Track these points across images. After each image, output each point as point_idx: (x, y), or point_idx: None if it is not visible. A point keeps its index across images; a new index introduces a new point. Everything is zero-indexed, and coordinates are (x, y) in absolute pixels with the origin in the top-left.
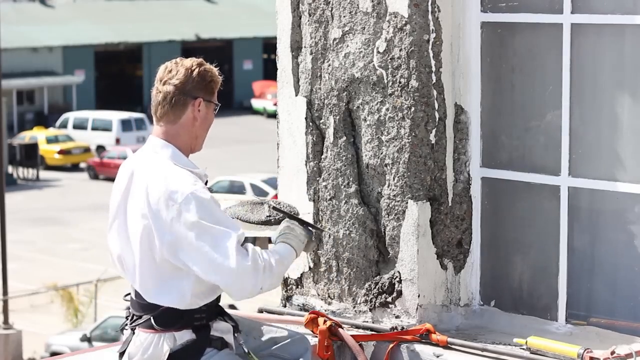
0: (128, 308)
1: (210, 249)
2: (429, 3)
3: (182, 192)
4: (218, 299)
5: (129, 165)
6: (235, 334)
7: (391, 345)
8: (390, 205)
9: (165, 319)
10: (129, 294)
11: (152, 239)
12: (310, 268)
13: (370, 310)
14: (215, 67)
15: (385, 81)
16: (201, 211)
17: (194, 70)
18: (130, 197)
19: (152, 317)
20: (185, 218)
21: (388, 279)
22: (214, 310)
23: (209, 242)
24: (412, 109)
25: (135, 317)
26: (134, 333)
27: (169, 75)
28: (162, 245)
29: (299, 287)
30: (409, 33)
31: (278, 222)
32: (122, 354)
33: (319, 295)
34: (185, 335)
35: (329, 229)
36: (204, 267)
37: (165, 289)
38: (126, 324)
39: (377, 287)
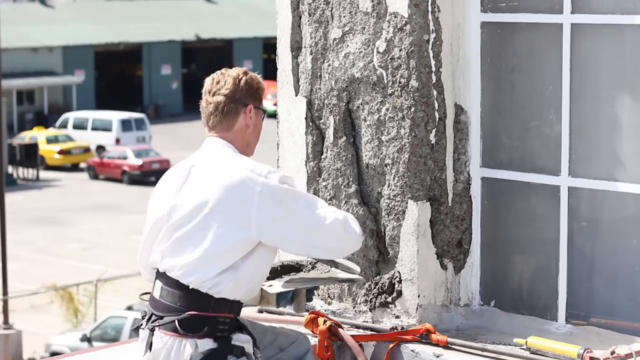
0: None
1: (307, 211)
2: (429, 3)
3: (263, 168)
4: (238, 312)
5: (186, 163)
6: (254, 348)
7: (391, 346)
8: (390, 205)
9: (190, 324)
10: (147, 292)
11: (227, 222)
12: None
13: (370, 310)
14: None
15: (385, 81)
16: (287, 181)
17: (241, 78)
18: (194, 186)
19: (177, 320)
20: (273, 188)
21: (388, 279)
22: (235, 324)
23: (303, 205)
24: (412, 109)
25: (155, 318)
26: (152, 334)
27: (217, 86)
28: (250, 222)
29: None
30: (409, 33)
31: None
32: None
33: (319, 295)
34: (207, 344)
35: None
36: (306, 228)
37: (222, 277)
38: (141, 324)
39: (377, 287)
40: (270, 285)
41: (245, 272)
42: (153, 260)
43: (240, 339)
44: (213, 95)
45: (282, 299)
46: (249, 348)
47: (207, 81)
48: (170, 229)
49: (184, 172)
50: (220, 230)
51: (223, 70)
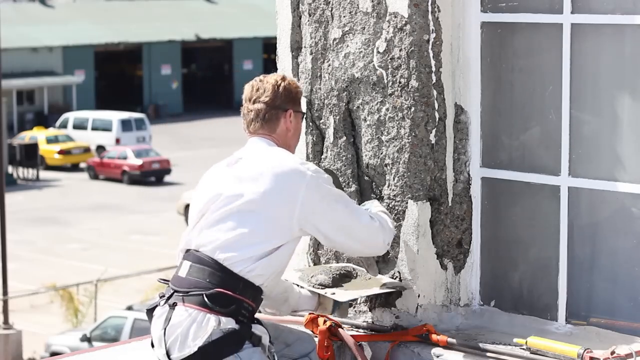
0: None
1: (344, 211)
2: (429, 3)
3: (310, 165)
4: (258, 305)
5: (232, 157)
6: (269, 343)
7: (391, 345)
8: (390, 205)
9: (218, 299)
10: (165, 279)
11: (273, 208)
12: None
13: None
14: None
15: (385, 81)
16: (330, 182)
17: (280, 84)
18: (243, 172)
19: (205, 295)
20: (320, 184)
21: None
22: (253, 318)
23: (342, 205)
24: (412, 109)
25: (179, 294)
26: (173, 309)
27: (257, 93)
28: (294, 212)
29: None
30: (409, 33)
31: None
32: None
33: None
34: (229, 323)
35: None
36: (341, 227)
37: (261, 262)
38: (159, 303)
39: None
40: (333, 294)
41: (276, 258)
42: (188, 239)
43: (259, 330)
44: (253, 102)
45: (336, 307)
46: (265, 340)
47: (247, 88)
48: (214, 208)
49: (232, 162)
50: (265, 215)
51: (261, 77)
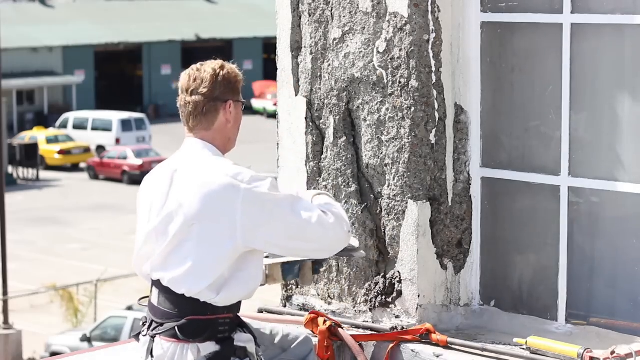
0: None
1: (292, 215)
2: (429, 3)
3: (245, 173)
4: (238, 309)
5: (167, 167)
6: (256, 347)
7: (391, 345)
8: (390, 205)
9: (190, 329)
10: (146, 297)
11: (212, 232)
12: None
13: (370, 310)
14: (233, 63)
15: (385, 81)
16: (269, 187)
17: (219, 74)
18: (177, 195)
19: (176, 327)
20: (256, 194)
21: (388, 279)
22: (235, 322)
23: (288, 209)
24: (412, 109)
25: (155, 325)
26: (153, 340)
27: (194, 84)
28: (235, 229)
29: (299, 287)
30: (409, 33)
31: None
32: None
33: (319, 295)
34: (209, 347)
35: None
36: (291, 232)
37: (222, 285)
38: (143, 331)
39: (377, 287)
40: (267, 257)
41: (237, 282)
42: (144, 270)
43: (242, 339)
44: (191, 94)
45: (288, 273)
46: (251, 348)
47: (183, 77)
48: (159, 242)
49: (167, 179)
50: (206, 241)
51: (198, 65)
